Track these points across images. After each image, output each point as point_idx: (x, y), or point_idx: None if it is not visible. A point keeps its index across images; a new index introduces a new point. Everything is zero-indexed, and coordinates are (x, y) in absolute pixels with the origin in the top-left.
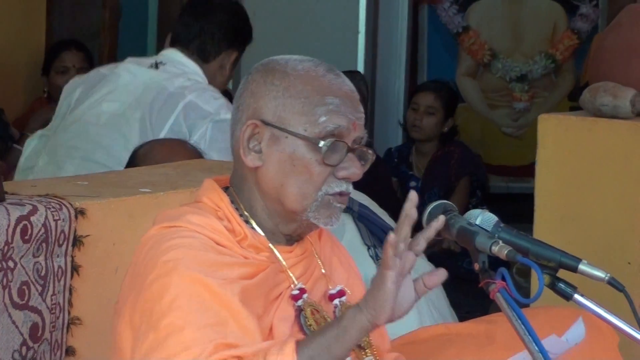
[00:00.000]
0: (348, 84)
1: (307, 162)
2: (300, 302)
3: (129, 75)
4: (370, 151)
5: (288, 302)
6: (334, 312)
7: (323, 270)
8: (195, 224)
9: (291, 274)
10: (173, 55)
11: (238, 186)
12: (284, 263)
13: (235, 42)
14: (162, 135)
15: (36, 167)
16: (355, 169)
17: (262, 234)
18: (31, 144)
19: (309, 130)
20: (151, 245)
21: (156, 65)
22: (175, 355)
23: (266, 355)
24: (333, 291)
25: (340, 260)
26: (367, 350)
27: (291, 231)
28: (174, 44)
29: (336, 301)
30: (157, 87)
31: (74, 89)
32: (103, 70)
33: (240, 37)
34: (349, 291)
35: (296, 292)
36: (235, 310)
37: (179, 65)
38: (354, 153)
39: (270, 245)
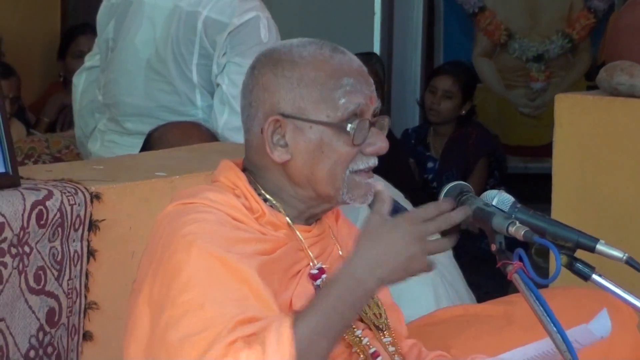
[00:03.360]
0: (355, 60)
1: (335, 146)
2: (319, 282)
3: (151, 0)
4: (387, 118)
5: (307, 280)
6: None
7: (340, 252)
8: (212, 200)
9: (310, 253)
10: None
11: (257, 172)
12: (303, 241)
13: None
14: (193, 66)
15: (100, 122)
16: (381, 143)
17: (282, 211)
18: (81, 80)
19: (331, 115)
20: (168, 221)
21: None
22: (195, 334)
23: (265, 333)
24: None
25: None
26: (385, 332)
27: (322, 211)
28: None
29: None
30: (177, 12)
31: (105, 22)
32: None
33: None
34: None
35: (315, 271)
36: (253, 285)
37: None
38: (375, 126)
39: (289, 222)
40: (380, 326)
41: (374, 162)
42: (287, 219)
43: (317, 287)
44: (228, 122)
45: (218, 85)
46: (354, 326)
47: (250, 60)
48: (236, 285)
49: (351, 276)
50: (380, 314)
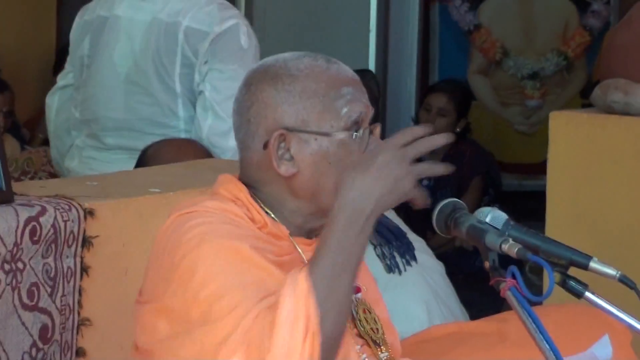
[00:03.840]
0: (348, 69)
1: (341, 155)
2: None
3: (128, 14)
4: (379, 125)
5: None
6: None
7: None
8: (214, 207)
9: None
10: None
11: (256, 187)
12: (303, 255)
13: None
14: (176, 76)
15: (77, 139)
16: None
17: (283, 225)
18: (54, 99)
19: (335, 125)
20: (172, 231)
21: None
22: (221, 318)
23: (282, 291)
24: None
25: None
26: (382, 347)
27: (321, 225)
28: None
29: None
30: (156, 24)
31: (80, 38)
32: (101, 12)
33: None
34: (364, 288)
35: None
36: (269, 269)
37: None
38: (372, 133)
39: (290, 237)
40: (378, 341)
41: None
42: (289, 234)
43: None
44: (213, 127)
45: (200, 92)
46: (353, 341)
47: (232, 66)
48: (253, 270)
49: (348, 208)
50: (377, 329)
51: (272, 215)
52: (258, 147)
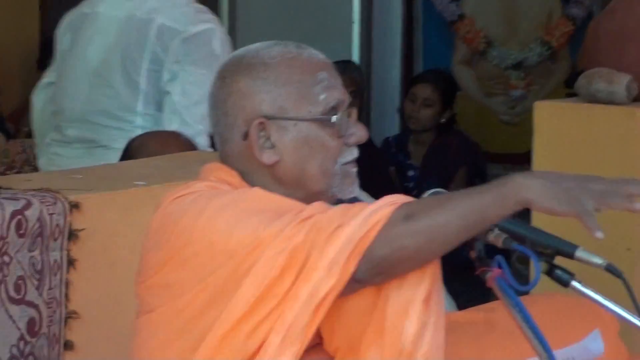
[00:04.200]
0: (319, 53)
1: (322, 140)
2: None
3: (109, 12)
4: (355, 109)
5: None
6: None
7: None
8: (207, 187)
9: None
10: None
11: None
12: None
13: None
14: (143, 71)
15: (48, 136)
16: (361, 132)
17: None
18: (39, 97)
19: (312, 111)
20: (168, 213)
21: None
22: (269, 242)
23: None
24: None
25: None
26: None
27: None
28: None
29: None
30: (131, 19)
31: (62, 34)
32: (85, 9)
33: None
34: None
35: None
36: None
37: None
38: (350, 117)
39: None
40: None
41: (357, 152)
42: None
43: None
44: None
45: (168, 93)
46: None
47: (203, 70)
48: (274, 205)
49: (497, 188)
50: None
51: None
52: (238, 138)
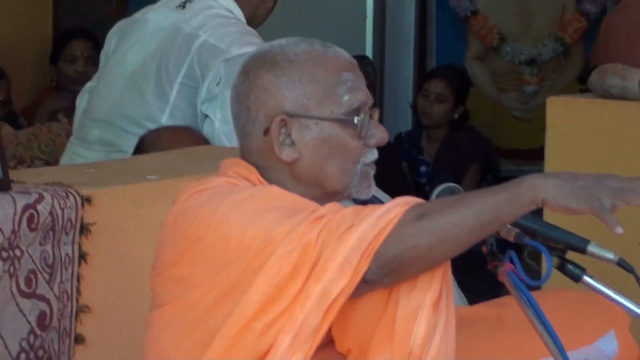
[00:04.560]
0: (345, 52)
1: (342, 140)
2: None
3: (157, 20)
4: (377, 110)
5: None
6: None
7: None
8: (225, 183)
9: None
10: None
11: (260, 173)
12: None
13: None
14: (177, 83)
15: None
16: (382, 134)
17: None
18: (83, 100)
19: (335, 111)
20: (188, 207)
21: (184, 5)
22: (282, 240)
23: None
24: None
25: None
26: None
27: None
28: None
29: None
30: (175, 31)
31: (110, 38)
32: (137, 15)
33: None
34: None
35: None
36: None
37: (207, 1)
38: (372, 118)
39: None
40: None
41: (377, 153)
42: None
43: None
44: None
45: (207, 116)
46: None
47: None
48: (285, 203)
49: (511, 188)
50: None
51: None
52: (258, 133)
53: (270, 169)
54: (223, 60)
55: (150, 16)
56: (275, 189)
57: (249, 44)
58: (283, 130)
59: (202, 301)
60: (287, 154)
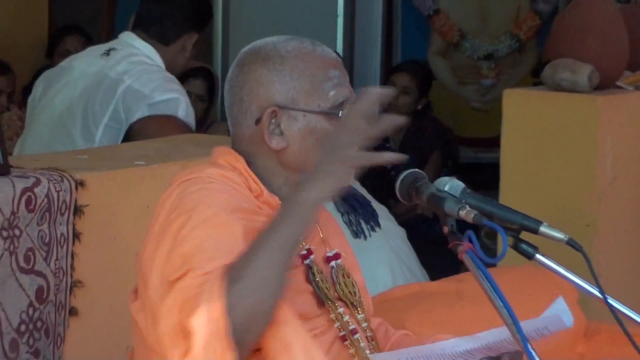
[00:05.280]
0: (331, 51)
1: (327, 131)
2: (308, 261)
3: (82, 67)
4: None
5: (297, 259)
6: (331, 273)
7: (321, 235)
8: (215, 174)
9: None
10: (127, 40)
11: (249, 160)
12: None
13: (195, 25)
14: (102, 124)
15: None
16: None
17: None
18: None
19: (322, 105)
20: (175, 195)
21: (108, 53)
22: (177, 271)
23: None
24: (330, 254)
25: (334, 226)
26: (359, 309)
27: None
28: (135, 27)
29: (332, 263)
30: (101, 76)
31: (38, 84)
32: (63, 63)
33: (200, 19)
34: (343, 254)
35: (304, 252)
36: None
37: (129, 49)
38: None
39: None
40: (355, 304)
41: None
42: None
43: (306, 266)
44: None
45: None
46: (337, 304)
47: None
48: (233, 242)
49: (290, 214)
50: (355, 292)
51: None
52: (250, 123)
53: (259, 156)
54: (146, 104)
55: (75, 63)
56: (233, 228)
57: (171, 90)
58: (273, 120)
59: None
60: (276, 143)
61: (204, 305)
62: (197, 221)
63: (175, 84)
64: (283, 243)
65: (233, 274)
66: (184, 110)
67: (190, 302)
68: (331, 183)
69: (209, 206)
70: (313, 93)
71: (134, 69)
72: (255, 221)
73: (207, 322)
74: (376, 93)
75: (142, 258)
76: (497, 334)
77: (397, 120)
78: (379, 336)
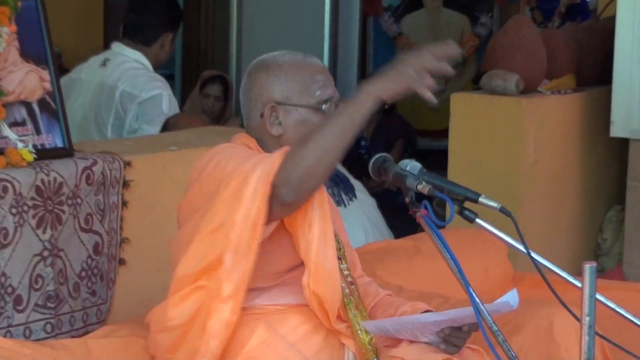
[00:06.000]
0: (319, 62)
1: (315, 122)
2: None
3: (87, 78)
4: (341, 101)
5: None
6: None
7: None
8: (237, 143)
9: None
10: (118, 50)
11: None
12: None
13: (169, 26)
14: (110, 124)
15: None
16: None
17: None
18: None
19: (310, 101)
20: (207, 154)
21: (104, 63)
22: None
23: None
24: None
25: (330, 202)
26: (342, 261)
27: None
28: (124, 36)
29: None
30: (102, 86)
31: None
32: (72, 74)
33: (173, 21)
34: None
35: None
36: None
37: (121, 57)
38: (336, 106)
39: None
40: (340, 257)
41: None
42: None
43: None
44: None
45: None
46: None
47: (157, 127)
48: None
49: (354, 99)
50: (340, 248)
51: None
52: (257, 116)
53: (265, 140)
54: (137, 102)
55: (82, 75)
56: (241, 148)
57: (155, 88)
58: (273, 114)
59: (194, 220)
60: (275, 130)
61: (261, 164)
62: (227, 156)
63: (159, 82)
64: (344, 121)
65: (299, 141)
66: (167, 102)
67: (255, 165)
68: (397, 80)
69: (235, 149)
70: (303, 92)
71: (125, 74)
72: None
73: (260, 174)
74: (451, 49)
75: (187, 200)
76: (462, 312)
77: (447, 70)
78: (370, 290)
